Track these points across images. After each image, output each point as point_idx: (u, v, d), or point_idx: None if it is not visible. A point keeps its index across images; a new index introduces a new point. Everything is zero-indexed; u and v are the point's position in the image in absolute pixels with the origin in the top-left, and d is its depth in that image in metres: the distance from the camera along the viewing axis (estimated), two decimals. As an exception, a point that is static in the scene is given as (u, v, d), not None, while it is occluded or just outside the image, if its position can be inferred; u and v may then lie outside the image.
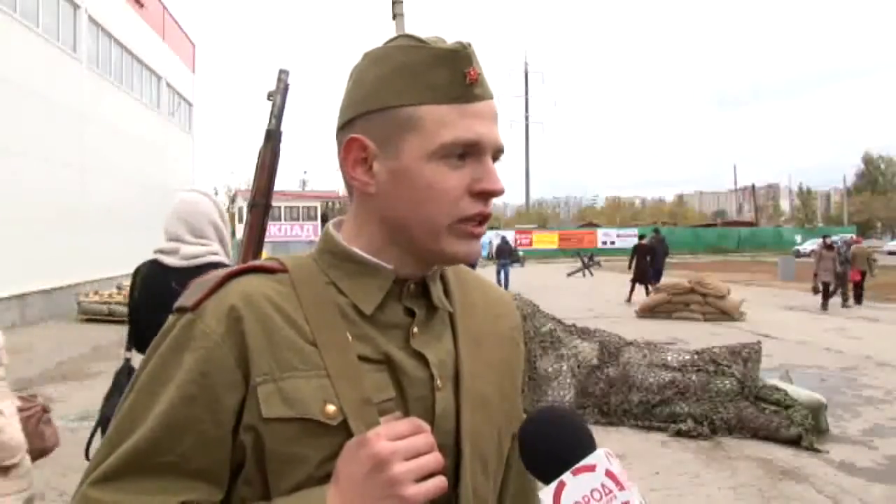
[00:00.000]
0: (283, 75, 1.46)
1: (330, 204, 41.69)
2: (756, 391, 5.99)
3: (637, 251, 17.34)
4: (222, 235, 2.55)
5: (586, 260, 27.61)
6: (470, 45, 0.84)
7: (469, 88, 0.82)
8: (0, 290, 12.95)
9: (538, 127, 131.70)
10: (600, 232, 47.84)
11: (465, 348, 0.89)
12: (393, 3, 6.09)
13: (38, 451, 2.48)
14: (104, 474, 0.77)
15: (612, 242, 45.31)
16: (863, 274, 15.91)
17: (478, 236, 0.85)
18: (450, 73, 0.81)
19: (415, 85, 0.81)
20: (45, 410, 2.54)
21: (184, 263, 2.43)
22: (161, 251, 2.49)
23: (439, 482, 0.76)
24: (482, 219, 0.84)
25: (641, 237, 18.40)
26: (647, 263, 16.99)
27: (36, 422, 2.46)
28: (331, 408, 0.78)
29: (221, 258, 2.48)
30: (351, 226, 0.89)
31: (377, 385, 0.81)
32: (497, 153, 0.85)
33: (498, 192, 0.83)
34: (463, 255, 0.85)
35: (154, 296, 2.42)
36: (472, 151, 0.82)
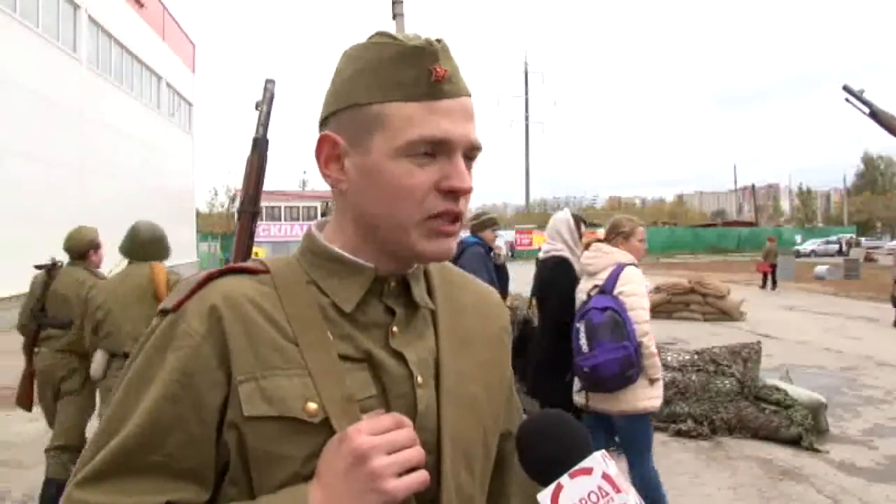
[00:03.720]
0: (269, 85, 1.49)
1: (330, 204, 41.59)
2: (756, 391, 5.98)
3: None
4: (566, 241, 3.96)
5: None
6: (440, 41, 0.84)
7: (436, 86, 0.81)
8: (0, 290, 12.95)
9: (538, 127, 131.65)
10: (600, 232, 47.74)
11: (447, 346, 0.89)
12: (393, 3, 6.10)
13: None
14: (90, 475, 0.77)
15: (612, 242, 45.21)
16: (773, 266, 20.28)
17: (449, 234, 0.84)
18: (416, 71, 0.81)
19: (382, 82, 0.81)
20: None
21: (541, 255, 4.14)
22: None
23: (420, 476, 0.77)
24: (452, 217, 0.83)
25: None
26: None
27: None
28: (312, 405, 0.78)
29: (563, 254, 3.94)
30: (332, 225, 0.90)
31: (358, 383, 0.82)
32: (471, 151, 0.84)
33: (465, 191, 0.82)
34: (432, 253, 0.84)
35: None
36: (441, 149, 0.81)
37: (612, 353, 3.27)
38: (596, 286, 3.51)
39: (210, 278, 0.84)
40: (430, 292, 0.92)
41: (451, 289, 0.95)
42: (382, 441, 0.75)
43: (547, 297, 4.00)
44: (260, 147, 1.46)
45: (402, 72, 0.81)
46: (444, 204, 0.82)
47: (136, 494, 0.76)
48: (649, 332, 3.35)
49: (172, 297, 0.83)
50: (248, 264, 0.88)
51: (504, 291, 5.57)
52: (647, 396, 3.38)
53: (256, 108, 1.48)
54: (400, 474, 0.75)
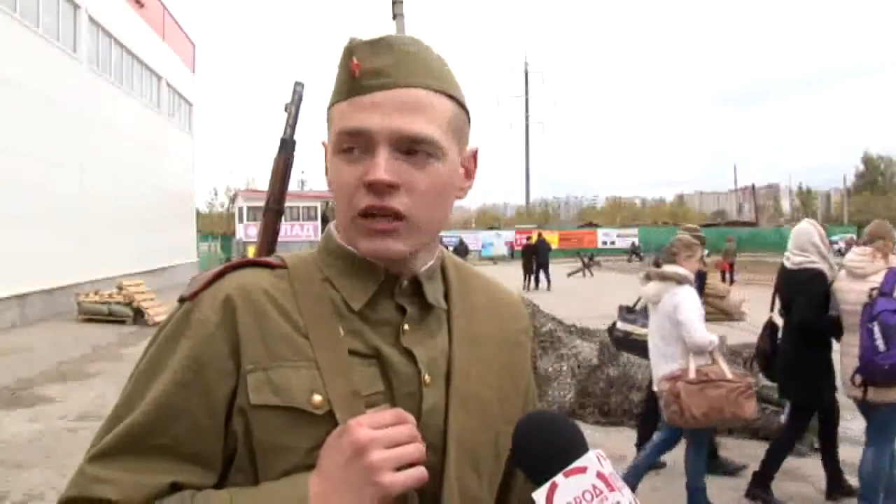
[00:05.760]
0: (298, 87, 1.55)
1: (330, 204, 41.73)
2: (757, 391, 5.98)
3: (525, 251, 23.15)
4: (820, 250, 4.19)
5: (586, 260, 27.73)
6: (380, 38, 0.83)
7: (356, 81, 0.82)
8: (0, 290, 12.96)
9: (538, 127, 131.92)
10: (600, 232, 47.77)
11: (459, 347, 0.90)
12: (393, 3, 6.09)
13: (735, 418, 3.99)
14: (101, 452, 0.80)
15: (613, 242, 45.33)
16: (731, 265, 23.25)
17: (379, 232, 0.82)
18: (344, 69, 0.84)
19: (333, 86, 0.87)
20: (749, 387, 3.94)
21: (792, 266, 4.27)
22: (786, 258, 4.35)
23: (418, 472, 0.77)
24: (377, 213, 0.81)
25: (528, 239, 25.19)
26: (532, 259, 22.09)
27: (738, 394, 3.86)
28: (317, 398, 0.80)
29: (818, 266, 4.14)
30: None
31: (366, 379, 0.83)
32: (407, 143, 0.81)
33: (377, 183, 0.79)
34: (366, 251, 0.84)
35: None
36: (361, 143, 0.81)
37: None
38: (874, 288, 3.82)
39: (228, 269, 0.86)
40: (447, 292, 0.93)
41: (467, 289, 0.96)
42: (381, 435, 0.76)
43: (798, 305, 4.26)
44: (287, 148, 1.52)
45: (339, 73, 0.85)
46: (367, 199, 0.81)
47: (142, 473, 0.78)
48: None
49: (191, 286, 0.86)
50: (267, 258, 0.90)
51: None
52: None
53: (285, 110, 1.54)
54: (398, 469, 0.76)
